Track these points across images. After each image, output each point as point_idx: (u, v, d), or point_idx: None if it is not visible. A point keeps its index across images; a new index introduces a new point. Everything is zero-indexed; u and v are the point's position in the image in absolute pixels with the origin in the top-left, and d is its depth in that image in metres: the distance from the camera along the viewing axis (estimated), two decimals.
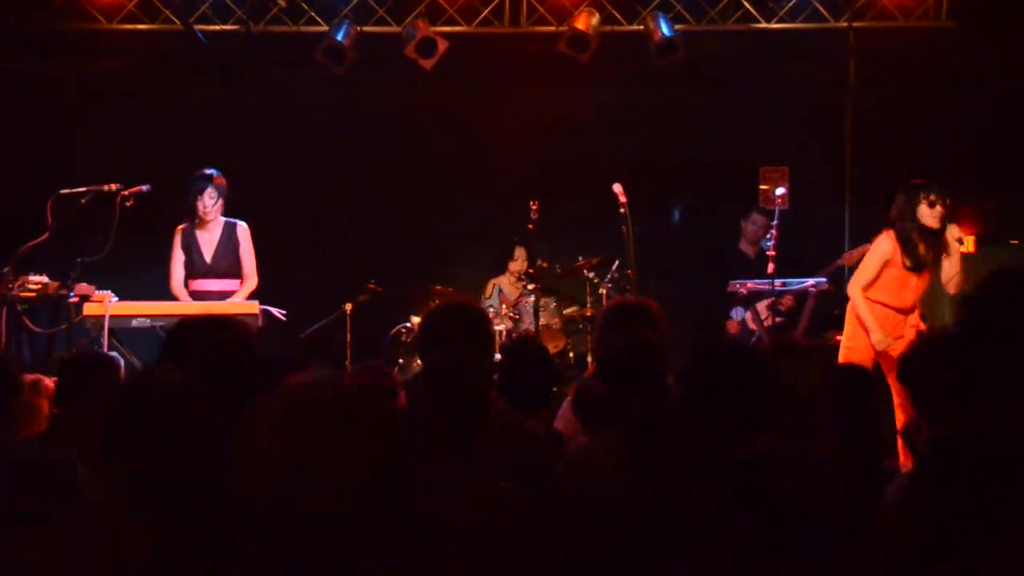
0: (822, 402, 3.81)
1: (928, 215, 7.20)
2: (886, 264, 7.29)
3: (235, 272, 8.18)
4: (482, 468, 3.16)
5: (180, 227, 8.19)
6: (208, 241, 8.15)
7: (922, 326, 7.30)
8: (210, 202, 8.06)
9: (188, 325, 3.47)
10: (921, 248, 7.24)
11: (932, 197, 7.18)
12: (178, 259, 8.17)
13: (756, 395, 3.06)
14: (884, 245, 7.30)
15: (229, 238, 8.18)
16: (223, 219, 8.19)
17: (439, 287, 9.41)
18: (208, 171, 8.11)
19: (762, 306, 9.12)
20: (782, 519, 1.91)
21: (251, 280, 8.18)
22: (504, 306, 9.49)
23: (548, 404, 4.96)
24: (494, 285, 10.04)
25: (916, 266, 7.24)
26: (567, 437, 4.55)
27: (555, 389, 5.28)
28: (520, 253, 9.90)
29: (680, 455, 2.98)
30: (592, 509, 3.39)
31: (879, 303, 7.27)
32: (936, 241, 7.20)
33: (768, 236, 8.67)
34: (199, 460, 2.19)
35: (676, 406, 3.43)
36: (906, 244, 7.24)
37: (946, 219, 7.21)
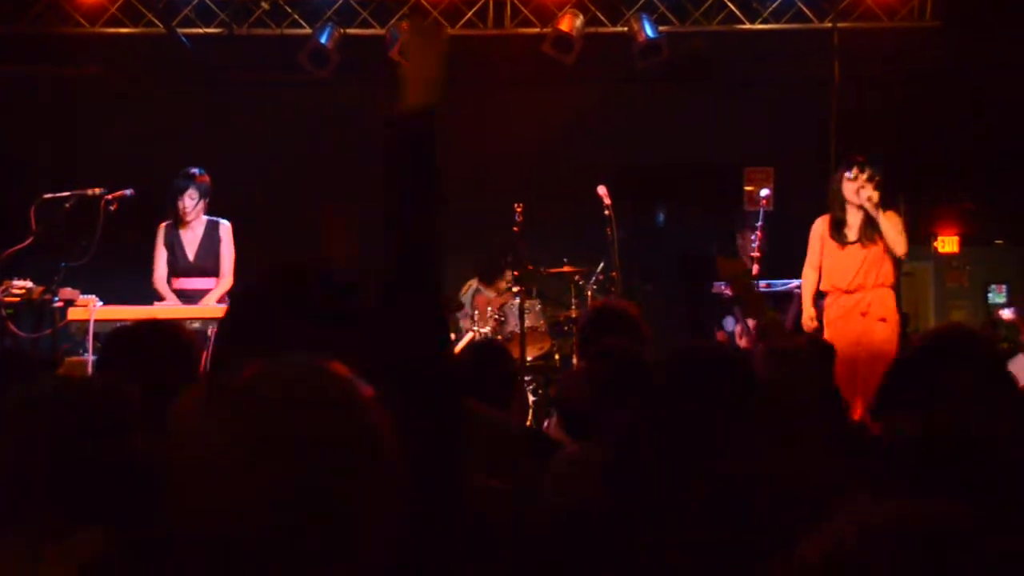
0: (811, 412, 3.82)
1: (849, 188, 7.31)
2: (823, 243, 7.41)
3: (218, 270, 8.18)
4: (467, 469, 3.16)
5: (163, 224, 8.17)
6: (191, 239, 8.14)
7: (887, 314, 7.31)
8: (190, 202, 8.05)
9: (121, 332, 3.48)
10: (849, 222, 7.33)
11: (855, 171, 7.28)
12: (161, 256, 8.15)
13: (738, 404, 3.05)
14: (816, 225, 7.50)
15: (211, 236, 8.16)
16: (206, 218, 8.18)
17: None
18: (191, 170, 8.10)
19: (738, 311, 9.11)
20: (757, 532, 1.91)
21: (227, 279, 8.15)
22: (478, 311, 9.46)
23: (508, 404, 4.92)
24: (471, 285, 10.05)
25: (843, 239, 7.32)
26: (558, 443, 4.54)
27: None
28: (508, 276, 9.91)
29: (663, 466, 2.97)
30: (577, 519, 3.38)
31: (828, 289, 7.46)
32: (868, 214, 7.29)
33: (753, 238, 8.67)
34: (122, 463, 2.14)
35: (660, 414, 3.42)
36: (834, 219, 7.36)
37: (865, 189, 7.28)
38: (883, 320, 7.30)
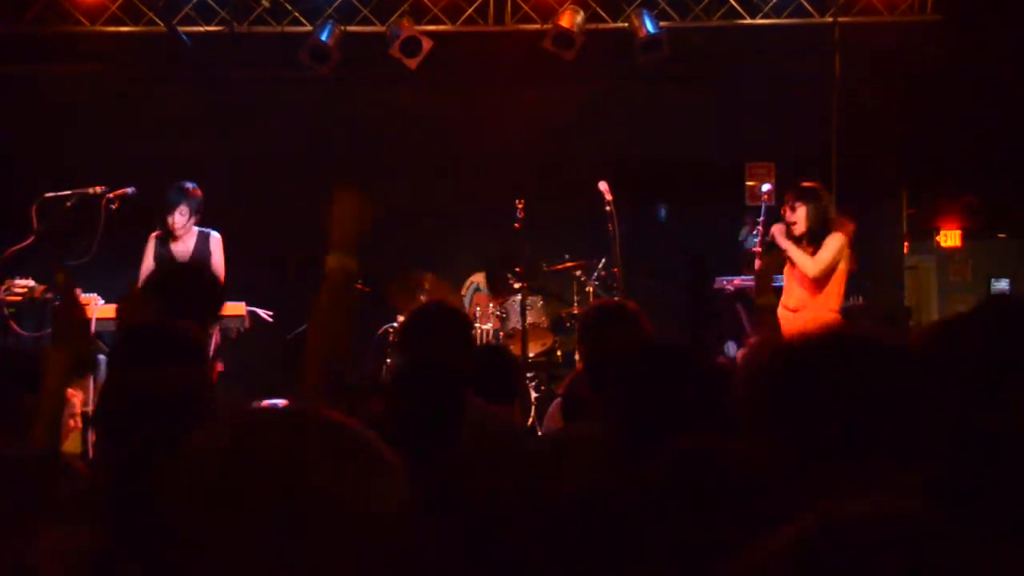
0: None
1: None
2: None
3: None
4: (467, 464, 3.16)
5: (154, 235, 8.11)
6: (182, 252, 8.08)
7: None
8: (180, 218, 7.98)
9: (132, 333, 3.48)
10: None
11: (784, 209, 7.31)
12: (147, 267, 8.09)
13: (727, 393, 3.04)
14: None
15: (202, 248, 8.11)
16: (197, 229, 8.11)
17: (424, 275, 9.36)
18: (185, 184, 8.03)
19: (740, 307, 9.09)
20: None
21: None
22: (479, 308, 9.46)
23: (511, 400, 4.93)
24: (471, 283, 10.04)
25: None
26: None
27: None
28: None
29: (657, 451, 2.97)
30: (567, 497, 3.38)
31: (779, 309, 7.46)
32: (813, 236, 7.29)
33: (755, 232, 8.66)
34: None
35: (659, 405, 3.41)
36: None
37: (789, 215, 7.29)
38: None
